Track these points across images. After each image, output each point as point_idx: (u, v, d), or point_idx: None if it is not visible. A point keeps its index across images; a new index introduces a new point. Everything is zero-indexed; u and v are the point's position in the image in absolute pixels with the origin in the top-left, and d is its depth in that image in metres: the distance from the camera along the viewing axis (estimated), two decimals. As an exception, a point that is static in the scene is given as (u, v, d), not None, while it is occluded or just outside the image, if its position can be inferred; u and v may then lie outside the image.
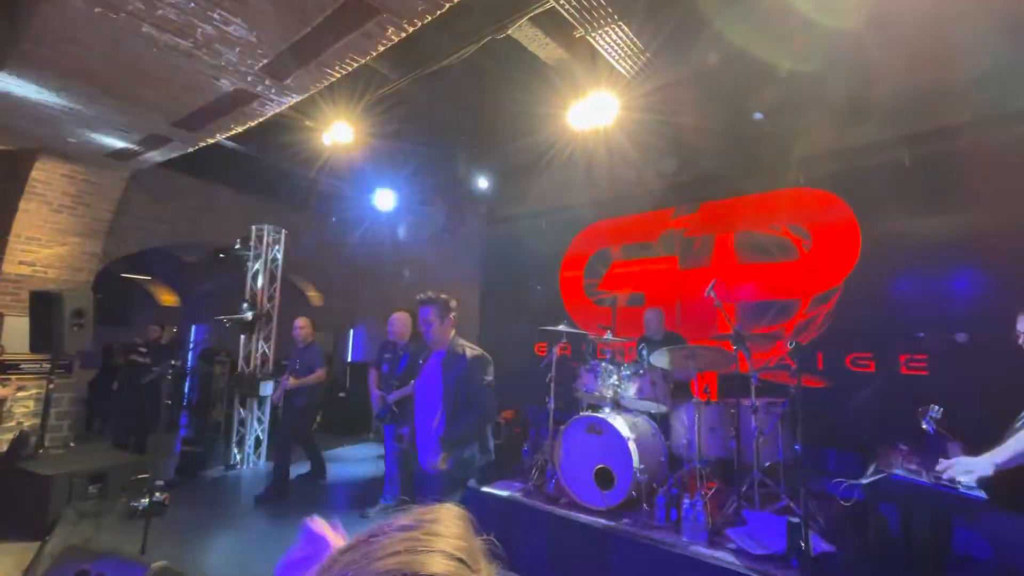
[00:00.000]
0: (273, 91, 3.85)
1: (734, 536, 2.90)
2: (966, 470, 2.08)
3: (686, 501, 3.11)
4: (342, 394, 8.49)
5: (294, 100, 4.03)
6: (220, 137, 4.74)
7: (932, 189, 4.36)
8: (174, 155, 5.21)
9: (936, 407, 2.29)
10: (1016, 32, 3.64)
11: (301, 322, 5.29)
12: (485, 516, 2.51)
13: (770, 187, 5.31)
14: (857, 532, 3.24)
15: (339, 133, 4.74)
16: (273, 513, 4.47)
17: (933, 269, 4.30)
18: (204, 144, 4.90)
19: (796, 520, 2.69)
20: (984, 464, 2.06)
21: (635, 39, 3.63)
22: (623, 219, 6.39)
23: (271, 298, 6.53)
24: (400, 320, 4.46)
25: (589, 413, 3.70)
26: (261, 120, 4.36)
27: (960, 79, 4.13)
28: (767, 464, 3.43)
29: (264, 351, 6.47)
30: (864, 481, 2.33)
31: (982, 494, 1.97)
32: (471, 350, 2.82)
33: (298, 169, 6.68)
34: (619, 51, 3.72)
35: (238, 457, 6.00)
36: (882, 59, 4.07)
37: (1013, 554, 2.14)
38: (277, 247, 6.64)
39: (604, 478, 3.44)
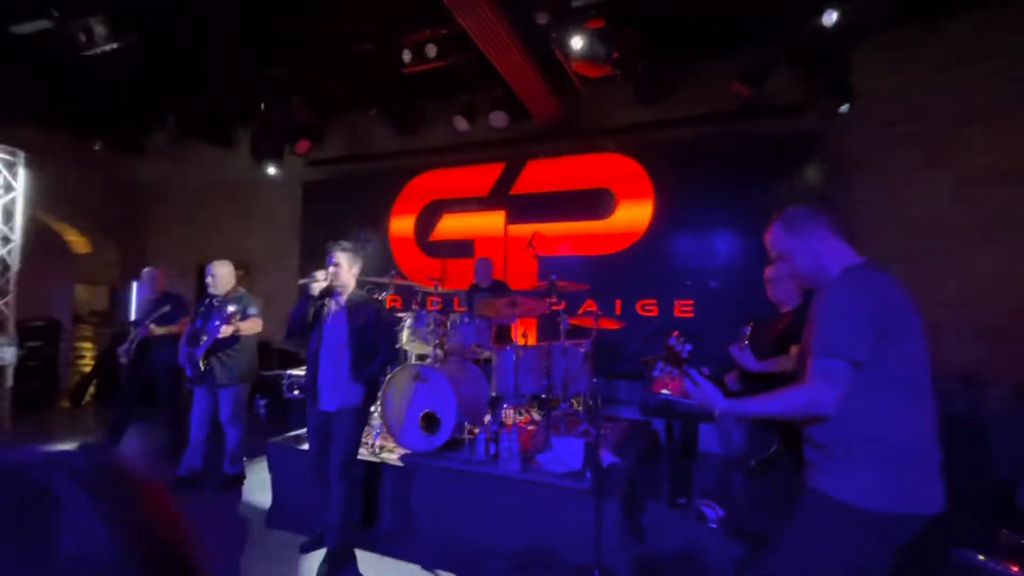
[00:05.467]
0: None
1: (542, 460, 3.28)
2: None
3: (504, 436, 3.40)
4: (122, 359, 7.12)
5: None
6: None
7: (707, 164, 5.26)
8: None
9: (746, 327, 2.82)
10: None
11: (157, 271, 4.73)
12: (304, 472, 2.40)
13: (588, 151, 5.81)
14: (637, 444, 3.94)
15: (96, 26, 3.70)
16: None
17: (704, 231, 5.25)
18: None
19: (590, 440, 3.14)
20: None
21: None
22: (456, 170, 6.39)
23: (6, 240, 5.05)
24: (221, 270, 4.01)
25: (415, 362, 3.73)
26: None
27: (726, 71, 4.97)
28: (572, 396, 3.92)
29: (-1, 309, 5.04)
30: (639, 403, 2.85)
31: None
32: (373, 299, 3.08)
33: (49, 75, 5.06)
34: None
35: (-35, 444, 4.68)
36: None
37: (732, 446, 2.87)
38: (13, 174, 5.09)
39: (430, 423, 3.55)
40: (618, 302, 5.38)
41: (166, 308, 4.46)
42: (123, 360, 4.53)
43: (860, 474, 1.35)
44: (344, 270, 2.93)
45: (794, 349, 2.73)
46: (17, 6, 3.77)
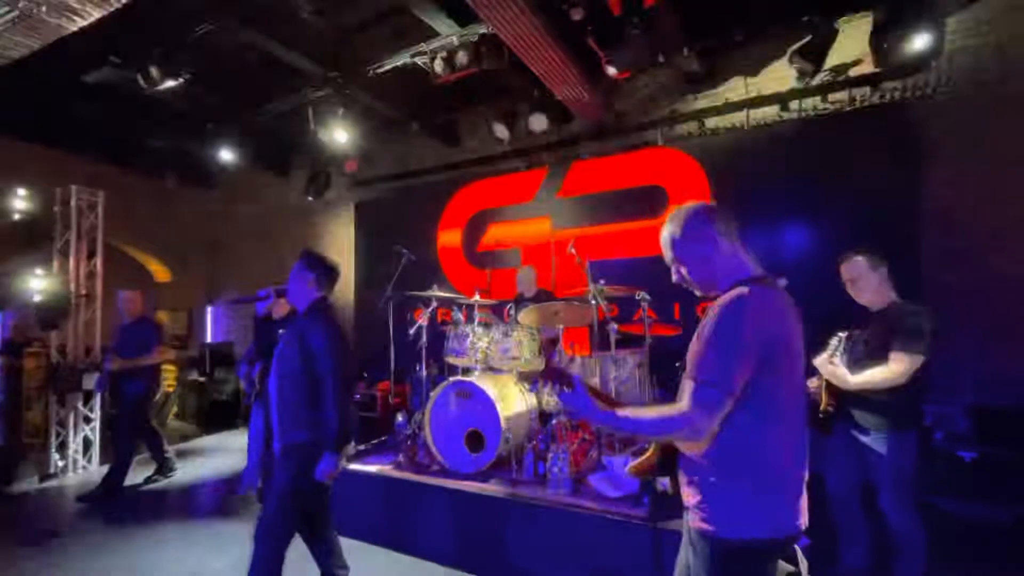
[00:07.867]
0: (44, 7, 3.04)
1: (594, 482, 3.02)
2: None
3: (553, 454, 3.17)
4: (201, 378, 7.58)
5: (80, 22, 3.23)
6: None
7: (767, 151, 4.79)
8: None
9: (836, 337, 2.62)
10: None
11: (128, 294, 4.70)
12: (355, 495, 2.31)
13: (636, 147, 5.50)
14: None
15: (152, 68, 3.93)
16: (99, 525, 3.83)
17: (770, 224, 4.76)
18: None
19: (647, 460, 2.84)
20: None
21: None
22: (500, 179, 6.28)
23: (91, 275, 5.48)
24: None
25: (459, 378, 3.60)
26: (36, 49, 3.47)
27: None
28: (627, 410, 3.62)
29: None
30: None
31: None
32: (321, 314, 2.37)
33: (118, 119, 5.56)
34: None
35: (60, 464, 5.07)
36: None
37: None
38: (93, 213, 5.53)
39: (475, 441, 3.39)
40: (676, 306, 4.99)
41: (139, 337, 4.50)
42: (99, 392, 4.62)
43: (728, 502, 1.34)
44: (300, 286, 2.44)
45: (894, 357, 2.35)
46: (85, 56, 4.09)
